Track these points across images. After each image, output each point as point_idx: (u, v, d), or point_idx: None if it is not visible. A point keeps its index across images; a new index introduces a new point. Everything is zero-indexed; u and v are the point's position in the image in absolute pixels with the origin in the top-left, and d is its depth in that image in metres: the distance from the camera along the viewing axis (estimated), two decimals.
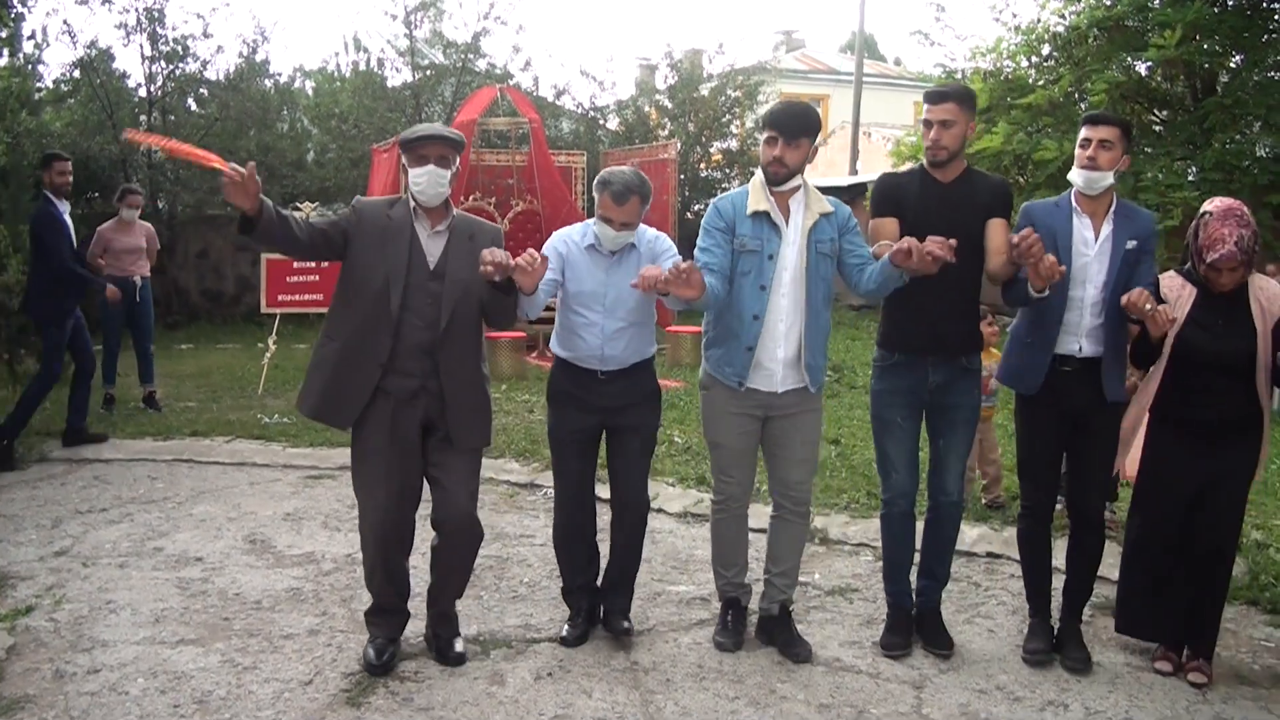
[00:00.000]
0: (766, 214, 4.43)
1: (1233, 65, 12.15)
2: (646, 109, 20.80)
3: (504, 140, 16.22)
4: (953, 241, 4.00)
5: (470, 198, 14.31)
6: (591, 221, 4.65)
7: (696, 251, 4.46)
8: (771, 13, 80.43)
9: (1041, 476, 4.73)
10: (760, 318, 4.43)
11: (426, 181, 4.29)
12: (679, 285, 4.00)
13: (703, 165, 20.47)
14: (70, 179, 8.41)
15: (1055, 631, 4.77)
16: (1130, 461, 4.80)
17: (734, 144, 20.83)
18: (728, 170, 20.73)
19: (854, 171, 23.38)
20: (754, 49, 67.60)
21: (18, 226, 11.01)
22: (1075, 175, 4.53)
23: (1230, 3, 12.06)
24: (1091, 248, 4.50)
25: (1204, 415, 4.41)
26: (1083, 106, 12.72)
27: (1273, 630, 4.91)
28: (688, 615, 4.99)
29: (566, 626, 4.83)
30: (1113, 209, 4.54)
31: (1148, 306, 4.11)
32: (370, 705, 4.19)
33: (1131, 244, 4.47)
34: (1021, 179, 13.14)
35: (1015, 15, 13.68)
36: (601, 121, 20.83)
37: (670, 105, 20.57)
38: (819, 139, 4.54)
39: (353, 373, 4.34)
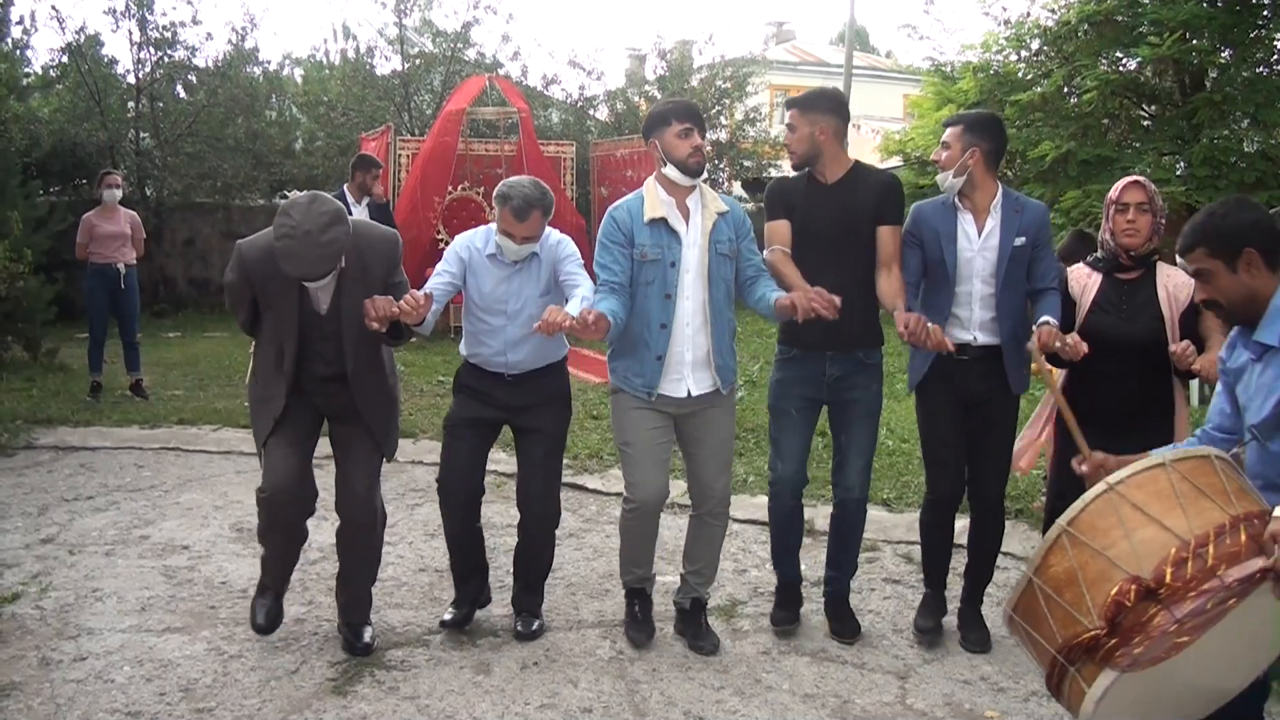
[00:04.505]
0: (664, 220, 4.37)
1: (1222, 61, 12.17)
2: (636, 100, 20.75)
3: (493, 130, 16.20)
4: (837, 300, 4.04)
5: (459, 187, 14.31)
6: (493, 227, 4.54)
7: (596, 268, 4.39)
8: (762, 4, 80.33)
9: (947, 464, 4.72)
10: (668, 326, 4.37)
11: (317, 287, 4.21)
12: (584, 332, 3.98)
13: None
14: None
15: (958, 611, 4.86)
16: (1017, 454, 4.87)
17: (724, 135, 20.81)
18: (717, 162, 20.71)
19: None
20: (744, 40, 67.68)
21: (5, 212, 10.99)
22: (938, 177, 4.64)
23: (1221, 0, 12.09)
24: (975, 243, 4.53)
25: (1113, 403, 4.38)
26: (1073, 102, 12.74)
27: None
28: (671, 606, 5.00)
29: (450, 609, 4.79)
30: (997, 203, 4.55)
31: (1057, 344, 4.11)
32: (356, 694, 4.20)
33: (1020, 241, 4.49)
34: (1011, 173, 13.15)
35: (1005, 9, 13.67)
36: (591, 112, 20.80)
37: (660, 96, 20.54)
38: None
39: (259, 418, 4.47)
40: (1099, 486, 2.78)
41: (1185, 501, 2.70)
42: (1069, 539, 2.76)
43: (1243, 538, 2.59)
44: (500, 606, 5.00)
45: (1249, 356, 3.09)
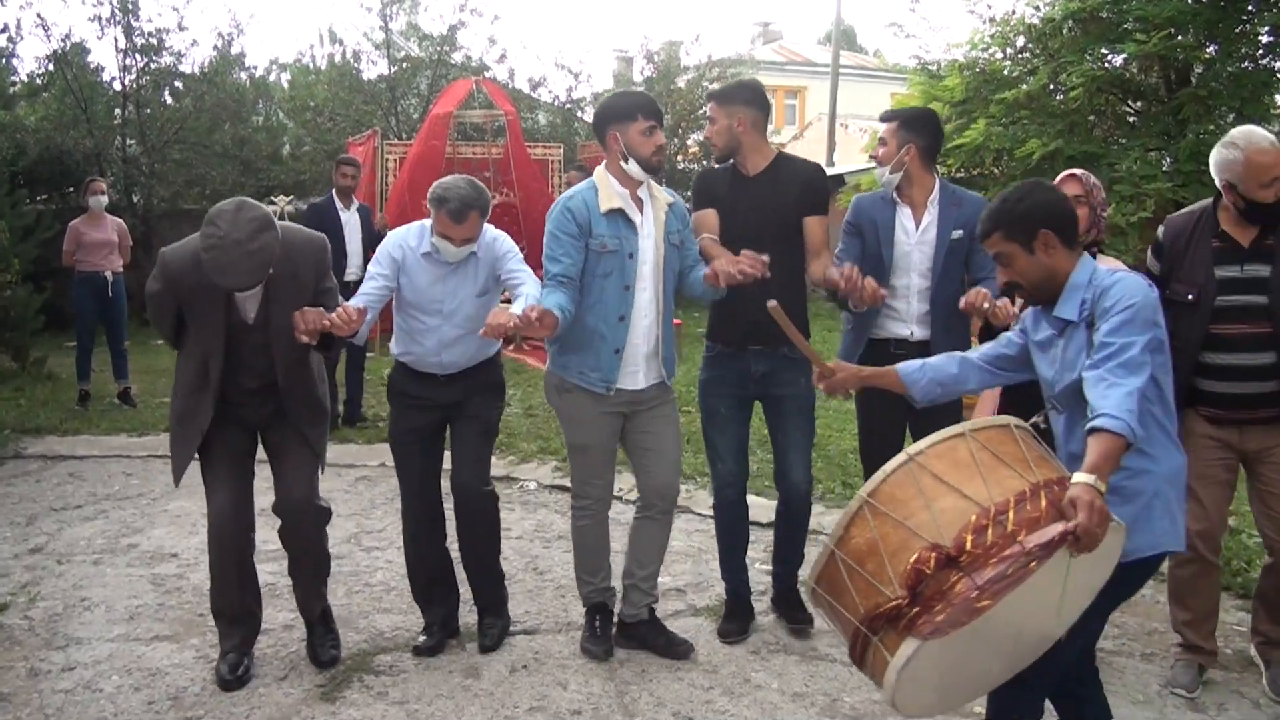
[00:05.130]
0: (621, 211, 4.34)
1: (1207, 57, 12.20)
2: None
3: (480, 133, 16.19)
4: (765, 258, 4.07)
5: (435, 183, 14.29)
6: (428, 224, 4.46)
7: (546, 261, 4.32)
8: (749, 4, 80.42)
9: (885, 457, 4.73)
10: (626, 318, 4.35)
11: (245, 297, 4.16)
12: (531, 330, 3.95)
13: (680, 157, 20.46)
14: None
15: None
16: None
17: None
18: (705, 162, 20.72)
19: (830, 163, 23.41)
20: (731, 41, 67.69)
21: None
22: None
23: None
24: (913, 236, 4.57)
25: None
26: (1059, 99, 12.77)
27: (1244, 615, 4.94)
28: (663, 606, 4.99)
29: (421, 636, 4.70)
30: (934, 197, 4.58)
31: (985, 305, 4.12)
32: (345, 700, 4.19)
33: (958, 234, 4.52)
34: (998, 170, 13.17)
35: (990, 7, 13.70)
36: (578, 114, 20.79)
37: None
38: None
39: (182, 437, 4.38)
40: (900, 457, 2.83)
41: (985, 470, 2.74)
42: (870, 510, 2.79)
43: (1043, 504, 2.65)
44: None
45: (1052, 332, 3.19)
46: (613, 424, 4.50)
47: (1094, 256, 4.42)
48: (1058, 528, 2.57)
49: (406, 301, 4.51)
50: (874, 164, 4.65)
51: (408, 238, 4.52)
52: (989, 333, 4.42)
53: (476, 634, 4.76)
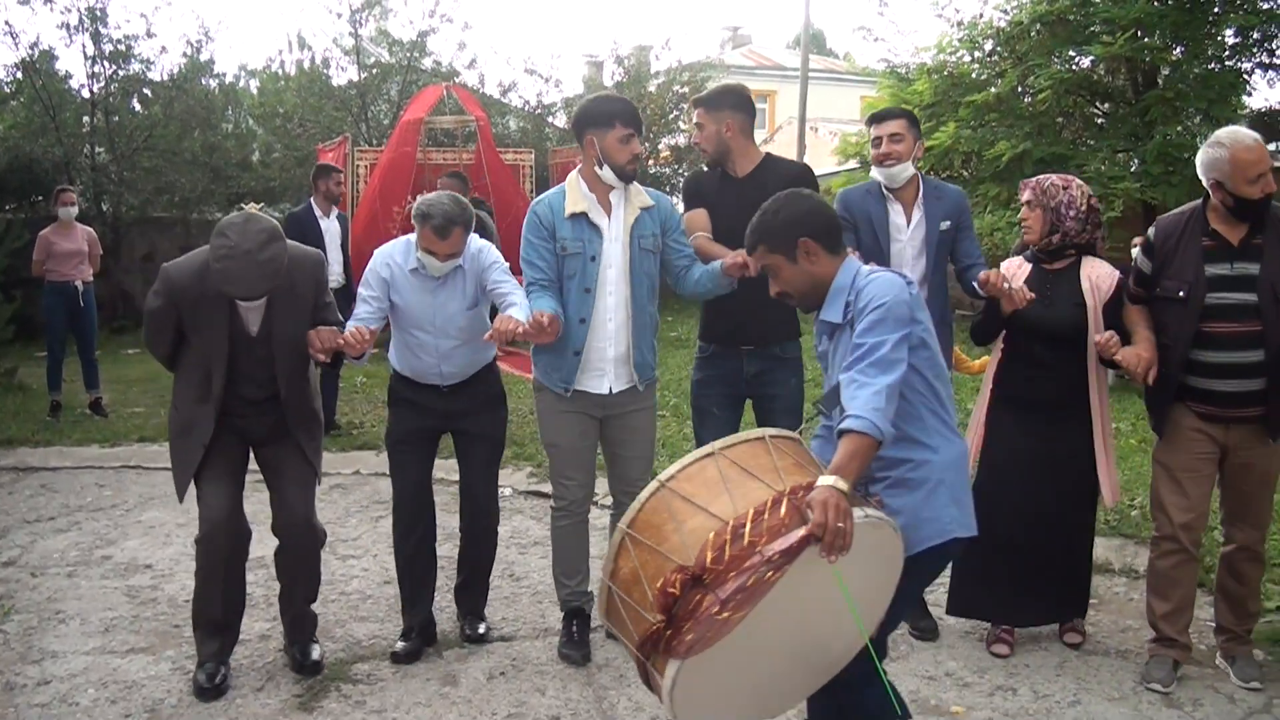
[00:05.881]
0: (585, 214, 4.36)
1: (1174, 58, 12.32)
2: None
3: (451, 139, 16.17)
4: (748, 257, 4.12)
5: (418, 197, 14.25)
6: (413, 239, 4.49)
7: (523, 265, 4.38)
8: (718, 9, 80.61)
9: None
10: (586, 321, 4.37)
11: (248, 308, 4.19)
12: (539, 336, 4.00)
13: (651, 161, 20.48)
14: None
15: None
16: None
17: (682, 140, 20.85)
18: (676, 166, 20.76)
19: None
20: (701, 45, 67.78)
21: None
22: (876, 173, 4.74)
23: None
24: (905, 232, 4.68)
25: (1039, 392, 4.54)
26: (1027, 101, 12.86)
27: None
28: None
29: (400, 642, 4.71)
30: (921, 192, 4.72)
31: (1005, 285, 4.28)
32: (323, 709, 4.19)
33: (946, 224, 4.67)
34: (967, 173, 13.26)
35: (958, 10, 13.81)
36: (549, 119, 20.78)
37: None
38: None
39: (183, 450, 4.36)
40: (652, 485, 2.87)
41: (731, 486, 2.78)
42: (630, 540, 2.83)
43: (783, 511, 2.67)
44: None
45: (826, 339, 3.24)
46: (580, 424, 4.51)
47: (1080, 257, 4.55)
48: (799, 533, 2.61)
49: (400, 318, 4.55)
50: (888, 164, 4.65)
51: (393, 254, 4.54)
52: (990, 319, 4.58)
53: (456, 638, 4.79)
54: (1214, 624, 4.63)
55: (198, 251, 4.17)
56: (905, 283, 3.10)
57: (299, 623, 4.59)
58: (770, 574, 2.57)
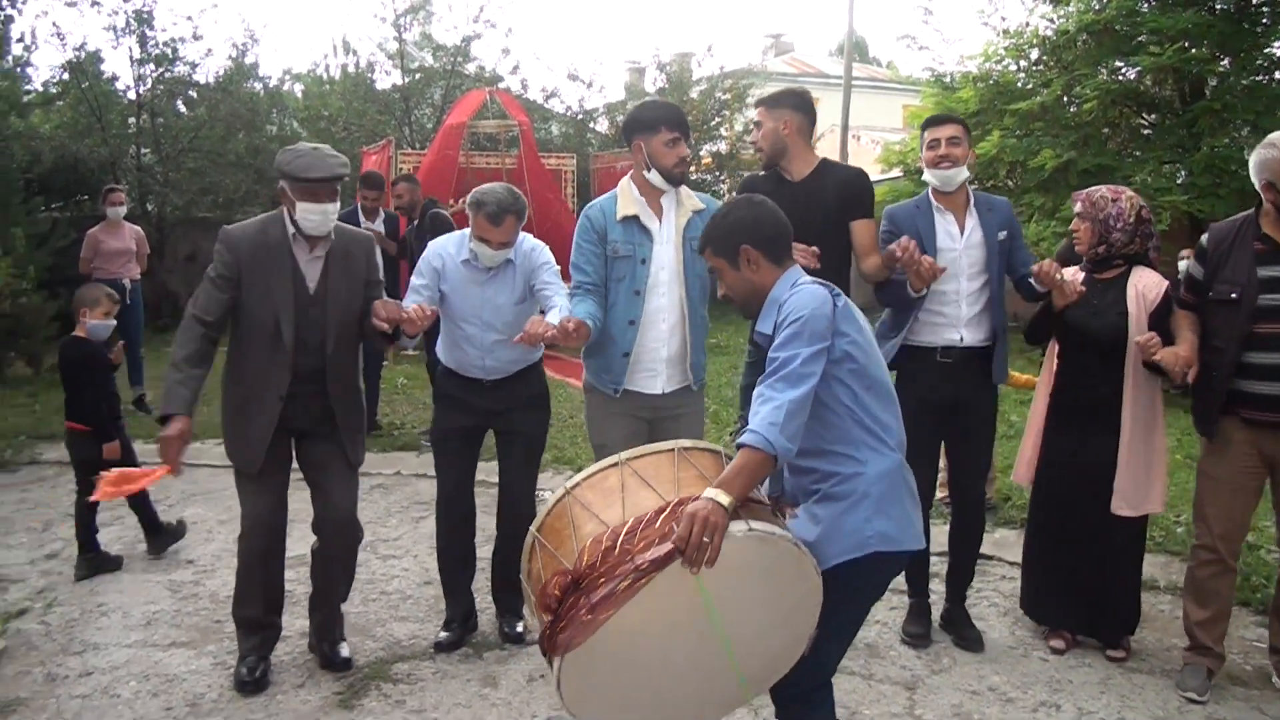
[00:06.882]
0: (637, 218, 4.38)
1: (1221, 69, 12.20)
2: None
3: (493, 143, 16.23)
4: (815, 249, 4.15)
5: (460, 201, 14.31)
6: (467, 233, 4.61)
7: (572, 269, 4.40)
8: (761, 16, 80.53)
9: (920, 466, 4.72)
10: (636, 322, 4.37)
11: (319, 220, 4.23)
12: (565, 340, 3.99)
13: (692, 169, 20.49)
14: None
15: (943, 612, 4.98)
16: (1018, 464, 5.01)
17: (723, 147, 20.84)
18: (717, 173, 20.74)
19: None
20: (743, 52, 67.79)
21: (7, 228, 11.00)
22: (930, 176, 4.71)
23: (1219, 8, 12.11)
24: (958, 242, 4.65)
25: (1088, 400, 4.59)
26: (1072, 111, 12.77)
27: (1263, 630, 4.92)
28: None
29: (442, 632, 4.78)
30: (972, 202, 4.71)
31: (1058, 275, 4.38)
32: (363, 708, 4.19)
33: (1003, 235, 4.67)
34: (1012, 183, 13.17)
35: (1004, 19, 13.75)
36: (591, 124, 20.83)
37: None
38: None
39: (258, 413, 4.33)
40: (558, 491, 2.96)
41: (628, 495, 2.83)
42: (538, 544, 2.94)
43: (661, 521, 2.71)
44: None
45: (765, 352, 3.16)
46: (629, 425, 4.49)
47: (1130, 268, 4.55)
48: (669, 544, 2.64)
49: (449, 310, 4.63)
50: (944, 166, 4.63)
51: (446, 245, 4.65)
52: (1043, 319, 4.66)
53: (496, 639, 4.80)
54: (1268, 645, 4.58)
55: (249, 220, 4.40)
56: (829, 294, 3.08)
57: (329, 622, 4.60)
58: (636, 581, 2.62)
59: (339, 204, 4.28)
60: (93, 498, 4.12)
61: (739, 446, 2.86)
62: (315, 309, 4.30)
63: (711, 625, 2.80)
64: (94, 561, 5.71)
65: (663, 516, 2.72)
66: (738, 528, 2.69)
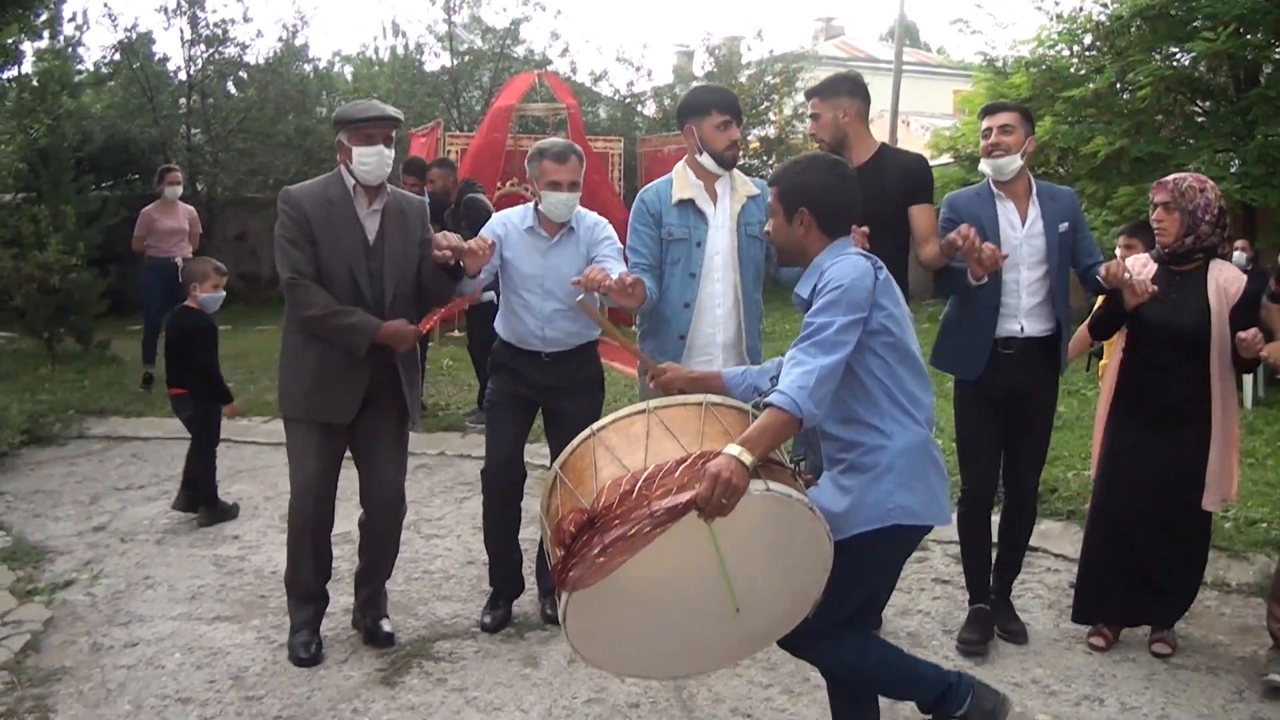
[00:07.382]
0: (692, 201, 4.38)
1: (1277, 56, 12.00)
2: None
3: (541, 126, 16.22)
4: (864, 229, 4.03)
5: (508, 183, 14.34)
6: (531, 206, 4.63)
7: (629, 252, 4.43)
8: (811, 0, 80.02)
9: (983, 460, 4.70)
10: (691, 305, 4.37)
11: (375, 163, 4.28)
12: (621, 295, 3.97)
13: (741, 153, 20.41)
14: None
15: (991, 604, 4.82)
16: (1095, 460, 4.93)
17: (771, 131, 20.74)
18: (765, 158, 20.65)
19: None
20: (793, 36, 67.45)
21: (58, 206, 11.11)
22: (985, 166, 4.61)
23: None
24: (1019, 230, 4.54)
25: (1160, 395, 4.46)
26: (1125, 97, 12.61)
27: None
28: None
29: (487, 615, 4.79)
30: (1034, 191, 4.60)
31: (1126, 275, 4.24)
32: (405, 685, 4.21)
33: (1064, 226, 4.54)
34: (1063, 169, 13.03)
35: (1057, 3, 13.57)
36: (638, 108, 20.79)
37: None
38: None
39: (347, 366, 4.32)
40: (584, 433, 2.99)
41: (652, 443, 2.86)
42: (559, 481, 2.97)
43: (681, 471, 2.73)
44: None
45: (805, 315, 3.16)
46: None
47: (1209, 260, 4.44)
48: (686, 495, 2.65)
49: (510, 278, 4.64)
50: (996, 155, 4.53)
51: (511, 215, 4.69)
52: (1110, 313, 4.55)
53: (538, 620, 4.81)
54: None
55: (311, 179, 4.51)
56: (871, 266, 3.09)
57: (375, 597, 4.64)
58: (651, 528, 2.64)
59: (394, 150, 4.32)
60: (421, 327, 4.37)
61: (765, 405, 2.87)
62: (374, 261, 4.35)
63: (719, 577, 2.84)
64: (216, 512, 6.24)
65: (683, 467, 2.74)
66: (756, 486, 2.73)
